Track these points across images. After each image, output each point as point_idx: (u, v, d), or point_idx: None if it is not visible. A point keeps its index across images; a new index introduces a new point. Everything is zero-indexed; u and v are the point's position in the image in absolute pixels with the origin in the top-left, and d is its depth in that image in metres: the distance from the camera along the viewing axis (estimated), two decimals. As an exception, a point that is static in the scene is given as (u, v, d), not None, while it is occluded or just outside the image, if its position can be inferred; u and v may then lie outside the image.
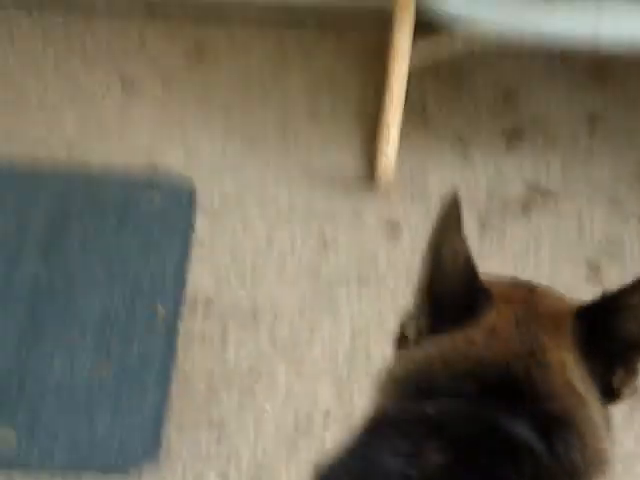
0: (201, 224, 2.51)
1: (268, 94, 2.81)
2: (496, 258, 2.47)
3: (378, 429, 1.28)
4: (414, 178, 2.63)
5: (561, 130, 2.75)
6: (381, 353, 2.22)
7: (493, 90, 2.82)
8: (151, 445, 2.11)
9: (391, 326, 1.40)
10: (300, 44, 2.91)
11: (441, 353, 1.28)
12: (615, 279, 2.40)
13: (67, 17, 3.03)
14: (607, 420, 1.30)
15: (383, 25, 2.73)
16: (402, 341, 1.35)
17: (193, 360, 2.27)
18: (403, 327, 1.36)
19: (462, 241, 1.28)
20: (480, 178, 2.64)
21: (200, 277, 2.41)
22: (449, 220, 1.28)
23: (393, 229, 2.54)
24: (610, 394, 1.30)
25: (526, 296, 1.33)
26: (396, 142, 2.59)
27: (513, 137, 2.73)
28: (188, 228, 2.48)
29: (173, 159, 2.65)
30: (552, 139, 2.73)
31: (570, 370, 1.26)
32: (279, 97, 2.80)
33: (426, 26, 2.49)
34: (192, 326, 2.32)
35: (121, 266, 2.37)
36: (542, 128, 2.75)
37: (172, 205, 2.51)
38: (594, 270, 2.47)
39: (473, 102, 2.79)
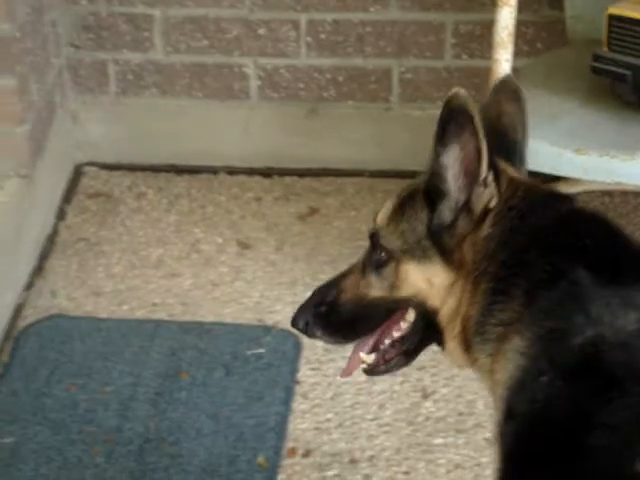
0: (305, 377, 2.64)
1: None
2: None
3: None
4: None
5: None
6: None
7: None
8: None
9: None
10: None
11: None
12: None
13: (190, 181, 3.27)
14: None
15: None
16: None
17: (291, 509, 2.37)
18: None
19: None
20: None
21: (301, 429, 2.53)
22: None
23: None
24: None
25: None
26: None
27: None
28: (292, 381, 2.61)
29: (281, 316, 2.82)
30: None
31: None
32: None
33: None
34: (291, 476, 2.43)
35: (226, 417, 2.51)
36: None
37: (278, 359, 2.65)
38: None
39: None
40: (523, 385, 1.49)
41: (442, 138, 1.59)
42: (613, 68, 2.52)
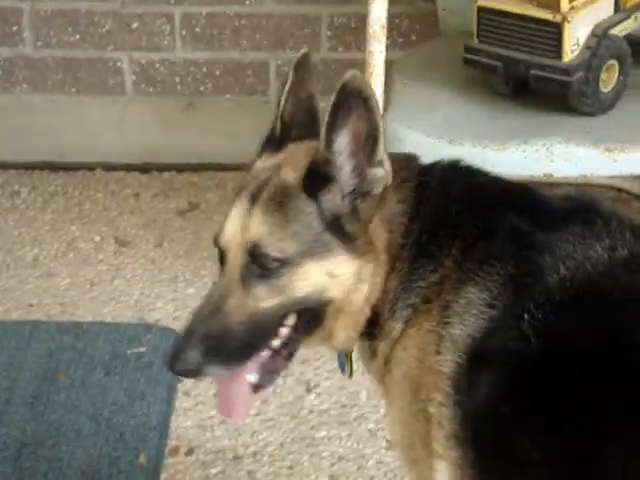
0: (187, 374, 2.62)
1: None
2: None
3: None
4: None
5: None
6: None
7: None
8: None
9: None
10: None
11: None
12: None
13: (66, 178, 3.22)
14: None
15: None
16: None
17: (174, 508, 2.35)
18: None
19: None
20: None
21: (184, 427, 2.51)
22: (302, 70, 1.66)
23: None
24: None
25: None
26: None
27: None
28: (174, 380, 2.58)
29: (162, 313, 2.79)
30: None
31: None
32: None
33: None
34: (174, 475, 2.41)
35: (107, 418, 2.47)
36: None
37: (159, 358, 2.62)
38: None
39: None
40: (499, 329, 1.51)
41: (335, 123, 1.57)
42: (484, 59, 2.55)
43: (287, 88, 1.68)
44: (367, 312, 1.65)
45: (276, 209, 1.60)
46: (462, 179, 1.67)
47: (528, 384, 1.48)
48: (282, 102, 1.68)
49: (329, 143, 1.58)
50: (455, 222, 1.61)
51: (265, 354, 1.64)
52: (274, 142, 1.68)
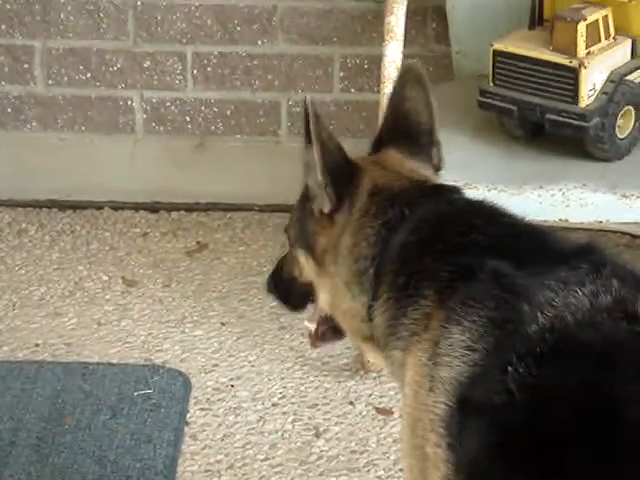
0: (194, 418, 2.59)
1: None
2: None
3: None
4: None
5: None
6: None
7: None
8: None
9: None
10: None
11: None
12: None
13: (74, 217, 3.20)
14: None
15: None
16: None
17: None
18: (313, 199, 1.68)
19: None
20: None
21: (190, 471, 2.47)
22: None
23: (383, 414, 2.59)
24: (436, 169, 1.77)
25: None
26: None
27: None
28: (181, 422, 2.55)
29: (170, 355, 2.75)
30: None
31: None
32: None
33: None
34: (181, 521, 2.37)
35: (112, 461, 2.43)
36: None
37: (166, 400, 2.59)
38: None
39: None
40: (484, 378, 1.48)
41: (306, 137, 1.66)
42: (499, 103, 2.54)
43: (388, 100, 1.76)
44: (353, 324, 1.69)
45: (298, 200, 1.75)
46: (452, 219, 1.63)
47: (516, 443, 1.45)
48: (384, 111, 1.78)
49: (305, 151, 1.70)
50: (429, 264, 1.59)
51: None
52: (374, 144, 1.79)
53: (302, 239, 1.72)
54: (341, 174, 1.65)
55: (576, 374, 1.43)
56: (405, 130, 1.73)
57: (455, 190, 1.70)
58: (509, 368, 1.45)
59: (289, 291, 1.82)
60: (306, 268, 1.74)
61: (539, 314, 1.48)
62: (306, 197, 1.72)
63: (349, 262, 1.65)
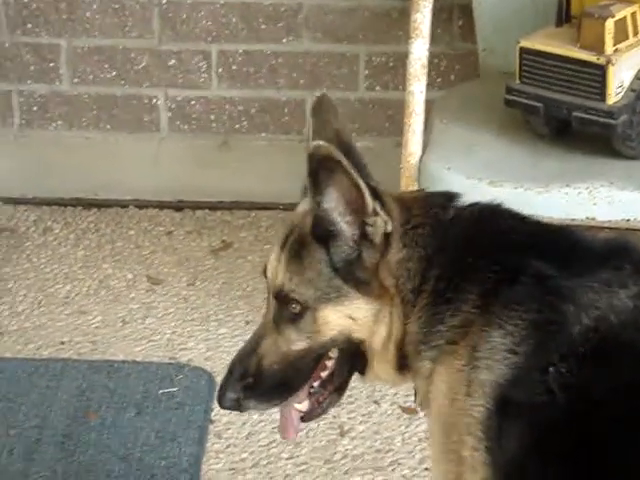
0: (219, 416, 2.59)
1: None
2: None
3: None
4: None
5: None
6: None
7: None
8: None
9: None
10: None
11: None
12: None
13: (99, 215, 3.20)
14: None
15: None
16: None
17: None
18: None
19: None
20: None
21: (215, 469, 2.47)
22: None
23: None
24: None
25: None
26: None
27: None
28: (206, 420, 2.55)
29: (194, 353, 2.75)
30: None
31: None
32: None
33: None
34: (205, 519, 2.37)
35: (137, 458, 2.44)
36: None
37: (190, 398, 2.59)
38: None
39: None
40: (524, 380, 1.49)
41: (317, 187, 1.62)
42: (525, 100, 2.53)
43: (310, 133, 1.72)
44: (393, 351, 1.67)
45: (296, 255, 1.66)
46: (488, 222, 1.65)
47: (556, 442, 1.46)
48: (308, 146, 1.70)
49: (318, 205, 1.63)
50: (473, 267, 1.60)
51: (316, 384, 1.71)
52: None
53: (339, 286, 1.64)
54: (377, 194, 1.66)
55: (619, 374, 1.45)
56: (353, 161, 1.69)
57: (458, 195, 1.71)
58: (551, 369, 1.47)
59: (286, 375, 1.68)
60: (357, 312, 1.65)
61: (583, 315, 1.50)
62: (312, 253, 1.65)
63: (406, 276, 1.64)
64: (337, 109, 1.77)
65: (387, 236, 1.65)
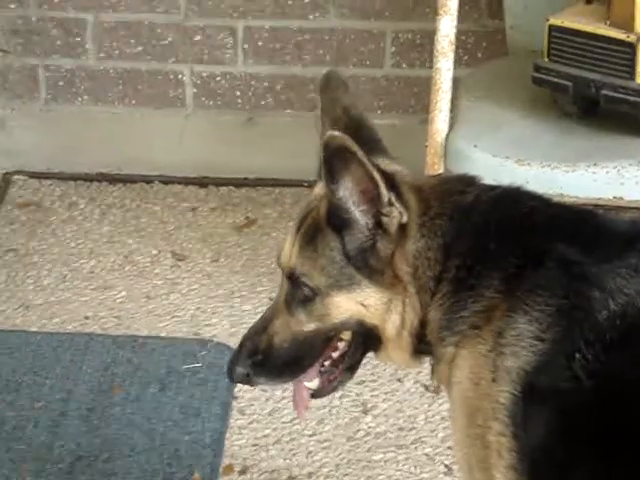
0: (242, 392, 2.59)
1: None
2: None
3: None
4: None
5: None
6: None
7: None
8: None
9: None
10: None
11: None
12: None
13: (124, 190, 3.20)
14: None
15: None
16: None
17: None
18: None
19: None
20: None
21: (238, 445, 2.47)
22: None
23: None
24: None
25: None
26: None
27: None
28: (229, 396, 2.56)
29: (218, 329, 2.76)
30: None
31: None
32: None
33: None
34: (228, 494, 2.38)
35: (161, 433, 2.45)
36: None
37: (214, 374, 2.59)
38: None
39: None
40: (551, 366, 1.49)
41: (331, 176, 1.61)
42: (554, 79, 2.51)
43: (319, 113, 1.74)
44: (408, 339, 1.67)
45: (310, 241, 1.67)
46: (509, 206, 1.64)
47: (583, 427, 1.47)
48: (319, 128, 1.72)
49: (332, 193, 1.62)
50: (495, 253, 1.58)
51: (327, 363, 1.73)
52: None
53: (352, 274, 1.64)
54: (393, 184, 1.65)
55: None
56: (364, 137, 1.70)
57: (477, 179, 1.70)
58: (577, 355, 1.47)
59: (296, 354, 1.70)
60: (369, 300, 1.65)
61: (610, 301, 1.49)
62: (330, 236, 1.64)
63: (425, 266, 1.63)
64: (347, 84, 1.76)
65: (403, 226, 1.64)
